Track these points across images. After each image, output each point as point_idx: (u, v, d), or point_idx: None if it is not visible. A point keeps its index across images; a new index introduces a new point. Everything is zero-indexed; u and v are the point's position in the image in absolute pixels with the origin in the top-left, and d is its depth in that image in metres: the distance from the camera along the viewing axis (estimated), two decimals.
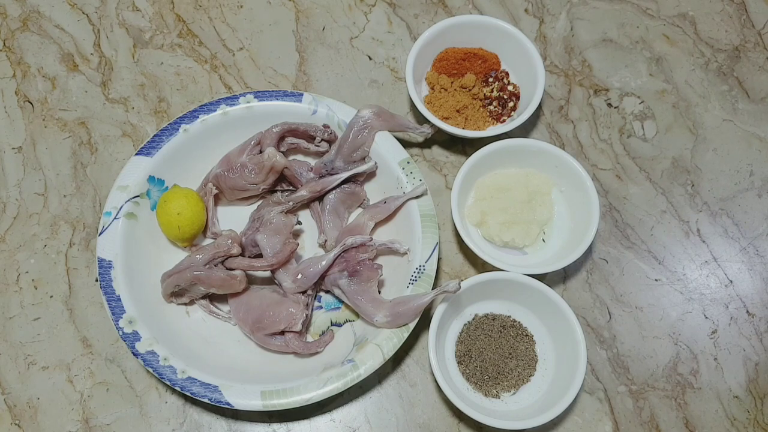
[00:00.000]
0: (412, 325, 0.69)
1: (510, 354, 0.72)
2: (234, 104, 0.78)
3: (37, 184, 0.82)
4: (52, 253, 0.78)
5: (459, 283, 0.68)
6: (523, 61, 0.82)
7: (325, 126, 0.78)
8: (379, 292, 0.73)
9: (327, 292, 0.75)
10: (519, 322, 0.74)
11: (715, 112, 0.87)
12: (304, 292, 0.71)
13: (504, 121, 0.83)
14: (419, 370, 0.74)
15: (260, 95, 0.79)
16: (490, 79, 0.84)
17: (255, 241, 0.72)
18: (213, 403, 0.66)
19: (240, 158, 0.76)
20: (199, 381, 0.67)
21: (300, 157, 0.82)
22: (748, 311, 0.77)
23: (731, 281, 0.79)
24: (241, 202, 0.79)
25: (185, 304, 0.74)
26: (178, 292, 0.72)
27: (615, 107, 0.87)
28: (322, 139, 0.79)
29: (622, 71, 0.89)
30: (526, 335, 0.73)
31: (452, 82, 0.84)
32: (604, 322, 0.76)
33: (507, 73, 0.85)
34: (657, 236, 0.80)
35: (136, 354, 0.68)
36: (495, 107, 0.82)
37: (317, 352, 0.71)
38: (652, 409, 0.73)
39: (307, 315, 0.70)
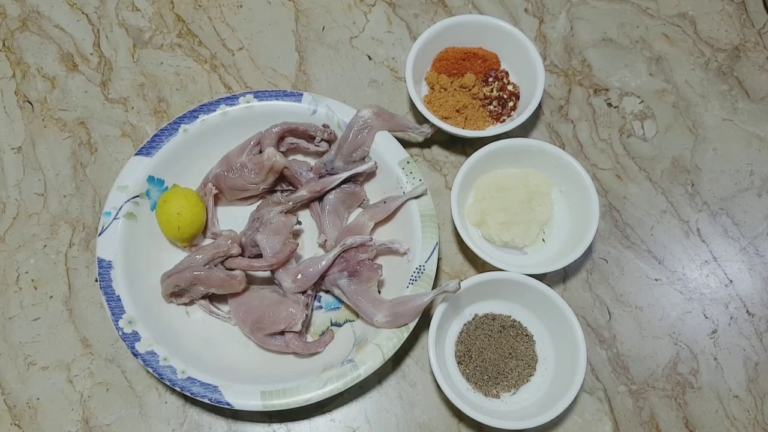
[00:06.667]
0: (412, 325, 0.69)
1: (510, 354, 0.72)
2: (234, 104, 0.78)
3: (36, 185, 0.82)
4: (51, 254, 0.78)
5: (459, 283, 0.68)
6: (522, 60, 0.82)
7: (325, 126, 0.78)
8: (379, 292, 0.73)
9: (327, 292, 0.75)
10: (519, 322, 0.74)
11: (715, 111, 0.87)
12: (303, 292, 0.71)
13: (504, 120, 0.83)
14: (419, 370, 0.74)
15: (260, 95, 0.79)
16: (490, 79, 0.84)
17: (255, 241, 0.72)
18: (213, 404, 0.66)
19: (240, 158, 0.76)
20: (198, 381, 0.67)
21: (300, 157, 0.81)
22: (748, 311, 0.77)
23: (731, 281, 0.79)
24: (241, 202, 0.79)
25: (185, 304, 0.74)
26: (177, 292, 0.72)
27: (615, 107, 0.87)
28: (321, 139, 0.79)
29: (622, 71, 0.89)
30: (526, 335, 0.73)
31: (452, 82, 0.83)
32: (604, 322, 0.76)
33: (507, 73, 0.85)
34: (657, 236, 0.80)
35: (135, 354, 0.68)
36: (495, 107, 0.82)
37: (317, 352, 0.71)
38: (652, 409, 0.73)
39: (306, 315, 0.70)
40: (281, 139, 0.78)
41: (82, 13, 0.91)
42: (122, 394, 0.72)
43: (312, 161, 0.80)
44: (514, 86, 0.84)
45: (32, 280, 0.77)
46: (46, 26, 0.90)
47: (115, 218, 0.73)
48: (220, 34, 0.90)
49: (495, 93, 0.83)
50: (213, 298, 0.75)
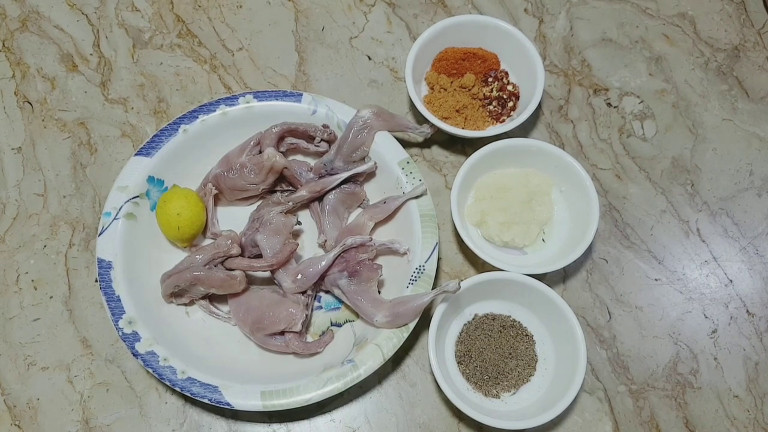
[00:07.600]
0: (411, 325, 0.69)
1: (510, 354, 0.72)
2: (233, 104, 0.78)
3: (36, 185, 0.82)
4: (51, 254, 0.78)
5: (459, 283, 0.68)
6: (522, 60, 0.82)
7: (325, 126, 0.78)
8: (379, 292, 0.73)
9: (327, 292, 0.75)
10: (519, 322, 0.74)
11: (715, 111, 0.87)
12: (303, 293, 0.71)
13: (503, 120, 0.83)
14: (419, 370, 0.74)
15: (260, 95, 0.79)
16: (490, 79, 0.84)
17: (255, 241, 0.72)
18: (213, 404, 0.66)
19: (239, 158, 0.76)
20: (198, 381, 0.67)
21: (300, 157, 0.81)
22: (748, 311, 0.77)
23: (731, 281, 0.79)
24: (240, 202, 0.79)
25: (185, 304, 0.74)
26: (177, 292, 0.72)
27: (615, 107, 0.87)
28: (321, 139, 0.79)
29: (622, 71, 0.89)
30: (526, 335, 0.73)
31: (452, 82, 0.83)
32: (604, 321, 0.76)
33: (506, 73, 0.85)
34: (657, 236, 0.80)
35: (135, 354, 0.68)
36: (494, 107, 0.82)
37: (317, 353, 0.71)
38: (652, 409, 0.73)
39: (306, 315, 0.70)
40: (281, 139, 0.78)
41: (82, 13, 0.91)
42: (122, 394, 0.72)
43: (312, 161, 0.80)
44: (514, 86, 0.84)
45: (32, 281, 0.77)
46: (45, 26, 0.90)
47: (115, 218, 0.73)
48: (219, 35, 0.90)
49: (495, 93, 0.83)
50: (213, 298, 0.75)
